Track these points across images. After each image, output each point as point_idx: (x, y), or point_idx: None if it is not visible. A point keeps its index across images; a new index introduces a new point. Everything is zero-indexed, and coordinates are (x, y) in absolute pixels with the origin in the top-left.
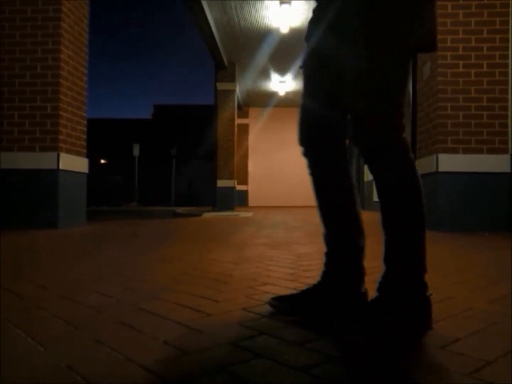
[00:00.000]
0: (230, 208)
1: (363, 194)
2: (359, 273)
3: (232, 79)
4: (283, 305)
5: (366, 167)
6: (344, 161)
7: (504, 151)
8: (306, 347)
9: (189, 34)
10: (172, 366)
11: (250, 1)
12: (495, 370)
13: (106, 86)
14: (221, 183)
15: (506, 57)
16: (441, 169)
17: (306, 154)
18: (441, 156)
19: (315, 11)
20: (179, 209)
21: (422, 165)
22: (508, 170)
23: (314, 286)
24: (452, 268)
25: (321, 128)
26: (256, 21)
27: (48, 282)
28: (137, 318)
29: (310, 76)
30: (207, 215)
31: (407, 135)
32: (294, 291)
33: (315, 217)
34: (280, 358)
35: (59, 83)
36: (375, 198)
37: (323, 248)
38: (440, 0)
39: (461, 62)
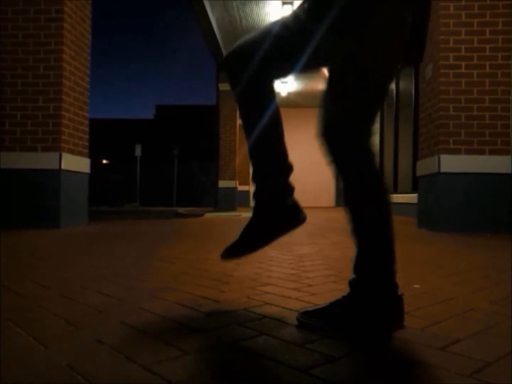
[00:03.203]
0: (232, 208)
1: None
2: (286, 186)
3: None
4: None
5: None
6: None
7: (506, 152)
8: (306, 348)
9: (191, 34)
10: (174, 366)
11: (252, 1)
12: (496, 371)
13: (108, 86)
14: (222, 183)
15: (508, 58)
16: (443, 169)
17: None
18: (443, 157)
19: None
20: (181, 209)
21: (424, 166)
22: (510, 171)
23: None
24: (453, 268)
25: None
26: (258, 21)
27: (49, 281)
28: (138, 317)
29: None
30: (209, 215)
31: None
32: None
33: (315, 218)
34: (280, 358)
35: (61, 83)
36: None
37: (324, 249)
38: (443, 1)
39: (463, 63)
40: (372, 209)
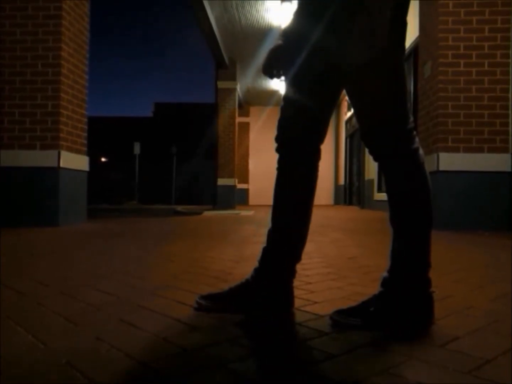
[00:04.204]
0: (231, 206)
1: (363, 192)
2: (290, 274)
3: (233, 77)
4: (210, 304)
5: (366, 166)
6: (315, 164)
7: (505, 150)
8: (306, 345)
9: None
10: (172, 363)
11: (251, 0)
12: (494, 369)
13: (106, 84)
14: (221, 181)
15: (507, 56)
16: (441, 168)
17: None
18: (442, 155)
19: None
20: (180, 208)
21: None
22: (509, 169)
23: (244, 282)
24: (452, 266)
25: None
26: (257, 19)
27: (49, 279)
28: (137, 315)
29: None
30: (208, 213)
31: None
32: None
33: (314, 216)
34: (277, 355)
35: (60, 81)
36: (375, 197)
37: (323, 246)
38: None
39: (462, 61)
40: (421, 204)
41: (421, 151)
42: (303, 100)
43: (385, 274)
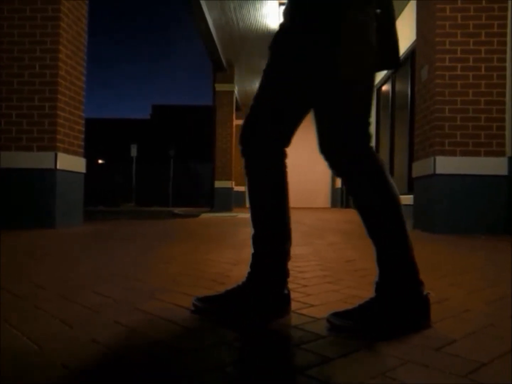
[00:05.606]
0: (228, 209)
1: None
2: (283, 275)
3: (230, 80)
4: (206, 305)
5: None
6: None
7: (501, 153)
8: (302, 348)
9: (188, 34)
10: (168, 365)
11: (249, 2)
12: (491, 372)
13: (104, 85)
14: (219, 184)
15: (503, 60)
16: (438, 171)
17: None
18: (439, 158)
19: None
20: (177, 210)
21: (420, 167)
22: (505, 173)
23: (238, 286)
24: (448, 270)
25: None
26: (255, 22)
27: (46, 282)
28: (134, 318)
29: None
30: (205, 215)
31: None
32: (221, 291)
33: (311, 219)
34: (273, 358)
35: (57, 82)
36: None
37: (320, 249)
38: (439, 3)
39: (459, 65)
40: (386, 208)
41: (380, 163)
42: (272, 102)
43: (376, 279)
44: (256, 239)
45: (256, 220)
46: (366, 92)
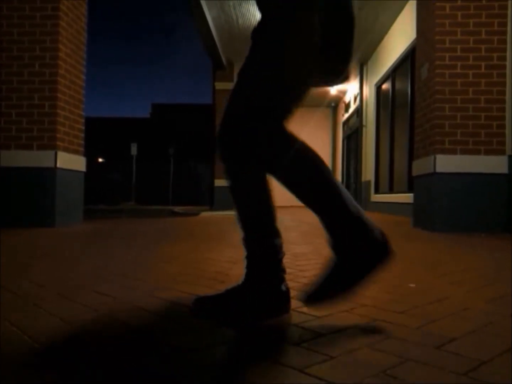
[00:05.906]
0: (228, 207)
1: (361, 194)
2: (278, 272)
3: (230, 78)
4: (203, 307)
5: (364, 168)
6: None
7: (501, 152)
8: (302, 346)
9: (188, 32)
10: (166, 364)
11: (248, 0)
12: (490, 370)
13: (104, 84)
14: (219, 182)
15: (504, 58)
16: (438, 169)
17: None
18: (439, 157)
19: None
20: (177, 208)
21: (420, 166)
22: (506, 171)
23: (238, 286)
24: (448, 268)
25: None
26: (254, 19)
27: (46, 280)
28: (134, 316)
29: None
30: (205, 214)
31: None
32: (221, 290)
33: (311, 217)
34: (275, 357)
35: (57, 81)
36: (372, 198)
37: (320, 248)
38: (439, 1)
39: (459, 63)
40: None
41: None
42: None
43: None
44: (246, 241)
45: (243, 222)
46: (283, 90)
